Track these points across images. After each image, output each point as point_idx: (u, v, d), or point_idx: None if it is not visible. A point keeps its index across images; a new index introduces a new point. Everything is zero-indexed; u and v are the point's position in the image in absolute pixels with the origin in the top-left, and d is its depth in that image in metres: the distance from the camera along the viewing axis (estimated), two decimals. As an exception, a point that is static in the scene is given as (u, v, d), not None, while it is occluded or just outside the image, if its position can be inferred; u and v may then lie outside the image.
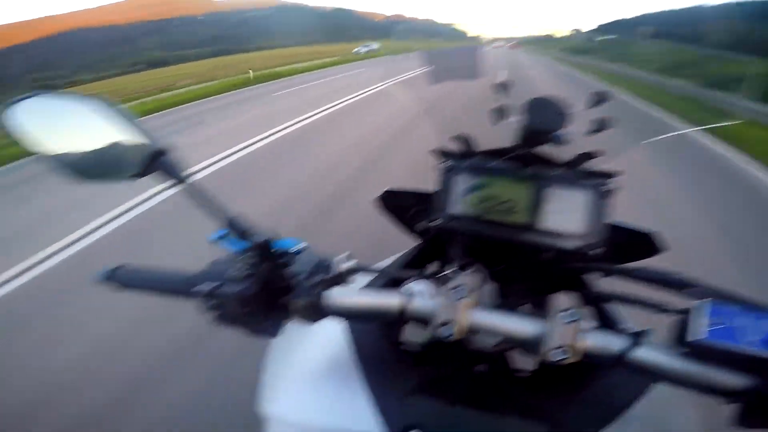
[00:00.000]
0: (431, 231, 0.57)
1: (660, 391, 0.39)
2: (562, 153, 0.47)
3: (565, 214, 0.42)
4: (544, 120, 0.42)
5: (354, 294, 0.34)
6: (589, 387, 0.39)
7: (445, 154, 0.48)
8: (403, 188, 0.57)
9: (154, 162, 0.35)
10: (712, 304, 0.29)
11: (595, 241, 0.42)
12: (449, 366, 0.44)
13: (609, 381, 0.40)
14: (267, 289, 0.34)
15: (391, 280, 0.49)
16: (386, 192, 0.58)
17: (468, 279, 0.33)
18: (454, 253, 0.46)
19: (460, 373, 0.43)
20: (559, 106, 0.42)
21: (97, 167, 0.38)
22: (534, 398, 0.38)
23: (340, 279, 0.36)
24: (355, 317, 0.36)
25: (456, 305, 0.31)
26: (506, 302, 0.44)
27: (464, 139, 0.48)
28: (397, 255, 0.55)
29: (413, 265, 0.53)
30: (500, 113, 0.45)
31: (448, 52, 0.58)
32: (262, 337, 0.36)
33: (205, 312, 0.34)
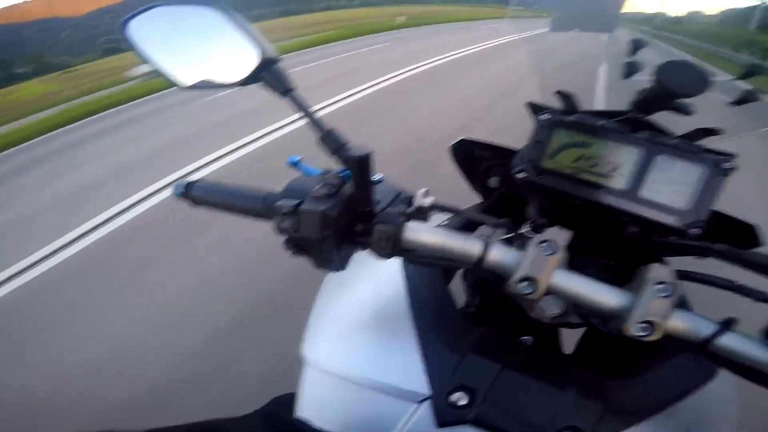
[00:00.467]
0: (503, 187, 0.54)
1: (721, 383, 0.38)
2: (675, 128, 0.42)
3: (674, 186, 0.39)
4: (681, 83, 0.37)
5: (435, 231, 0.33)
6: (646, 370, 0.38)
7: (544, 109, 0.45)
8: (479, 139, 0.54)
9: (262, 70, 0.34)
10: None
11: (699, 220, 0.38)
12: (502, 329, 0.44)
13: (669, 366, 0.38)
14: (349, 211, 0.33)
15: (465, 226, 0.48)
16: (461, 140, 0.54)
17: (557, 236, 0.31)
18: (531, 212, 0.44)
19: (512, 338, 0.42)
20: (700, 70, 0.37)
21: (207, 74, 0.38)
22: (585, 374, 0.37)
23: (420, 214, 0.36)
24: (430, 257, 0.34)
25: (544, 260, 0.29)
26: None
27: (567, 96, 0.45)
28: (469, 206, 0.52)
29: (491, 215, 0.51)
30: (631, 68, 0.42)
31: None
32: (329, 269, 0.35)
33: (281, 233, 0.34)
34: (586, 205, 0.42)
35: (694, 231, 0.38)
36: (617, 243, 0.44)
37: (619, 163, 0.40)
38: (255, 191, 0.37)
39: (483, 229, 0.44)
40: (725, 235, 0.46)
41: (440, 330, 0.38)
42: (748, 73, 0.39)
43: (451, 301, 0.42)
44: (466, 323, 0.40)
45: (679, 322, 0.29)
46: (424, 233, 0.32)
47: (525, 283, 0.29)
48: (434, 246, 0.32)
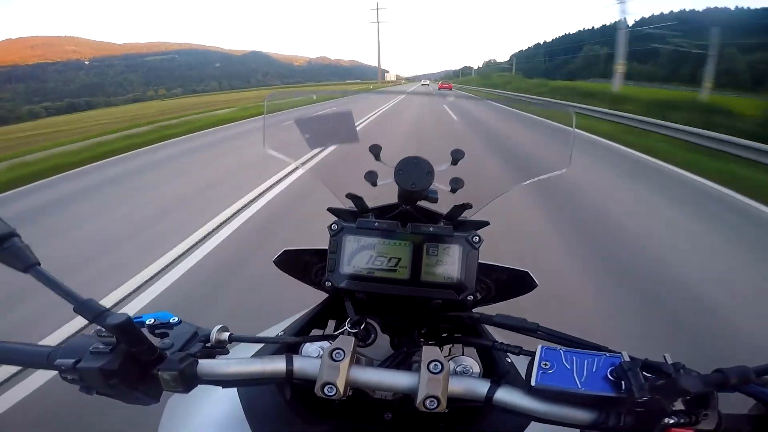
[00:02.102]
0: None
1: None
2: (441, 205, 0.52)
3: (444, 266, 0.47)
4: (413, 181, 0.46)
5: (231, 363, 0.36)
6: (483, 425, 0.43)
7: (335, 213, 0.52)
8: (301, 247, 0.59)
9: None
10: (544, 348, 0.35)
11: (469, 288, 0.47)
12: (357, 417, 0.48)
13: (491, 420, 0.44)
14: (133, 362, 0.35)
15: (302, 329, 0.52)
16: (283, 252, 0.59)
17: (346, 341, 0.36)
18: (348, 310, 0.48)
19: (363, 423, 0.46)
20: (426, 165, 0.46)
21: None
22: None
23: (215, 349, 0.39)
24: (236, 384, 0.38)
25: (336, 366, 0.34)
26: (398, 352, 0.47)
27: (356, 198, 0.52)
28: (310, 308, 0.57)
29: (320, 319, 0.55)
30: (372, 177, 0.49)
31: (324, 116, 0.61)
32: (141, 404, 0.37)
33: (72, 383, 0.35)
34: (388, 298, 0.48)
35: (470, 298, 0.47)
36: (421, 321, 0.51)
37: (399, 257, 0.48)
38: (40, 347, 0.38)
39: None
40: (512, 284, 0.58)
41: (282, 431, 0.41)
42: (456, 160, 0.49)
43: (287, 408, 0.45)
44: (311, 419, 0.44)
45: (460, 388, 0.35)
46: (219, 367, 0.36)
47: (327, 387, 0.34)
48: (236, 374, 0.36)
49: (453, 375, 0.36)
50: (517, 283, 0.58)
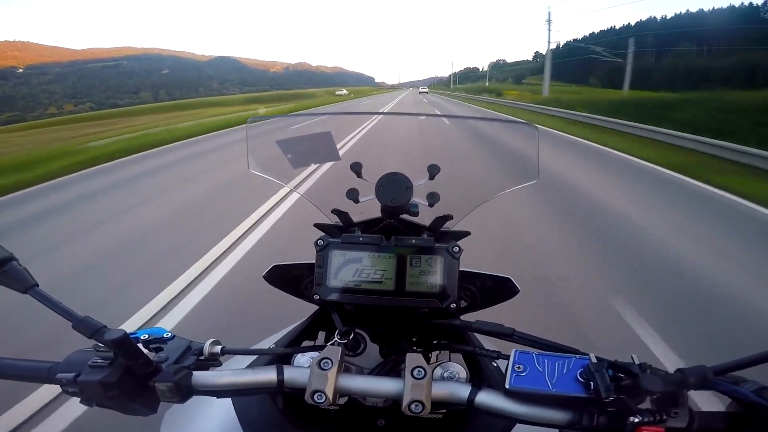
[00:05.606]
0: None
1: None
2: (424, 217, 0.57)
3: (427, 277, 0.51)
4: (393, 197, 0.50)
5: (224, 374, 0.40)
6: (457, 429, 0.47)
7: (321, 229, 0.55)
8: (289, 262, 0.62)
9: None
10: (517, 352, 0.38)
11: (452, 296, 0.50)
12: (350, 424, 0.51)
13: (475, 423, 0.47)
14: (130, 374, 0.38)
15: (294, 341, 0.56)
16: (273, 267, 0.62)
17: (333, 350, 0.40)
18: (336, 322, 0.52)
19: (356, 430, 0.49)
20: (404, 181, 0.51)
21: None
22: None
23: (209, 361, 0.43)
24: (229, 394, 0.41)
25: (324, 375, 0.38)
26: (387, 360, 0.50)
27: (342, 213, 0.56)
28: (301, 321, 0.60)
29: (311, 331, 0.59)
30: (354, 195, 0.53)
31: (305, 138, 0.64)
32: (139, 415, 0.40)
33: (72, 395, 0.38)
34: (375, 309, 0.51)
35: (453, 306, 0.50)
36: (408, 330, 0.55)
37: (384, 269, 0.51)
38: (41, 362, 0.40)
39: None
40: (495, 290, 0.62)
41: None
42: (432, 175, 0.53)
43: (281, 417, 0.48)
44: (304, 427, 0.48)
45: (443, 393, 0.38)
46: (213, 378, 0.39)
47: (317, 395, 0.37)
48: (229, 384, 0.39)
49: (437, 380, 0.39)
50: (500, 289, 0.62)
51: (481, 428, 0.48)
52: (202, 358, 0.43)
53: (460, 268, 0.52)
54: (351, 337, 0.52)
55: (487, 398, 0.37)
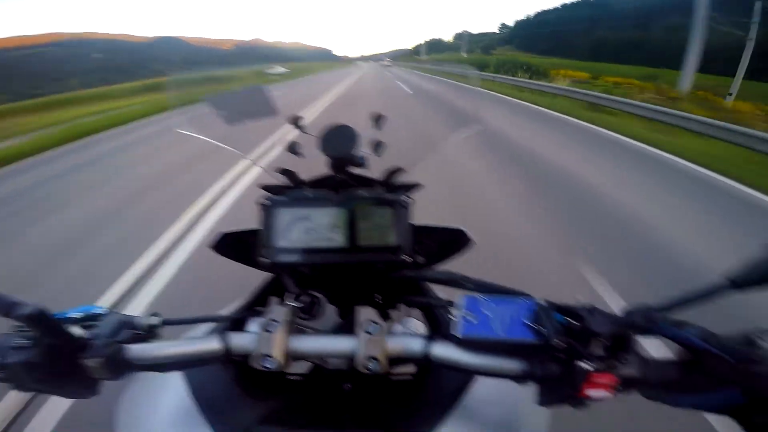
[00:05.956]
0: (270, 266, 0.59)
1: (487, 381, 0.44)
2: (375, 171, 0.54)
3: (379, 230, 0.49)
4: (337, 147, 0.47)
5: (162, 346, 0.37)
6: (423, 388, 0.46)
7: (269, 190, 0.51)
8: (238, 229, 0.58)
9: None
10: (466, 298, 0.36)
11: (405, 248, 0.49)
12: (315, 390, 0.49)
13: (438, 380, 0.46)
14: (58, 353, 0.35)
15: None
16: (221, 236, 0.58)
17: (280, 311, 0.38)
18: (288, 285, 0.49)
19: (321, 396, 0.47)
20: (348, 131, 0.48)
21: None
22: (374, 407, 0.43)
23: (146, 334, 0.40)
24: (172, 367, 0.38)
25: (270, 337, 0.35)
26: (345, 321, 0.49)
27: (288, 172, 0.53)
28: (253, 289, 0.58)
29: (263, 299, 0.56)
30: (294, 147, 0.50)
31: (237, 93, 0.59)
32: (81, 398, 0.38)
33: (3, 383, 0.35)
34: (329, 268, 0.49)
35: (406, 258, 0.49)
36: (365, 288, 0.53)
37: (335, 225, 0.49)
38: None
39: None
40: (449, 243, 0.61)
41: (232, 412, 0.43)
42: (377, 123, 0.52)
43: (237, 388, 0.46)
44: (261, 397, 0.46)
45: (398, 347, 0.36)
46: (150, 351, 0.37)
47: (266, 360, 0.35)
48: (169, 356, 0.37)
49: (392, 335, 0.37)
50: (455, 241, 0.61)
51: (444, 386, 0.46)
52: (139, 332, 0.40)
53: (415, 223, 0.51)
54: (306, 300, 0.49)
55: (441, 350, 0.36)
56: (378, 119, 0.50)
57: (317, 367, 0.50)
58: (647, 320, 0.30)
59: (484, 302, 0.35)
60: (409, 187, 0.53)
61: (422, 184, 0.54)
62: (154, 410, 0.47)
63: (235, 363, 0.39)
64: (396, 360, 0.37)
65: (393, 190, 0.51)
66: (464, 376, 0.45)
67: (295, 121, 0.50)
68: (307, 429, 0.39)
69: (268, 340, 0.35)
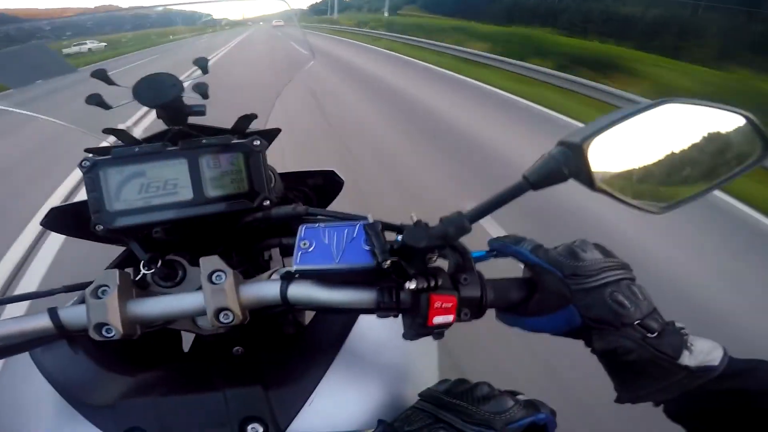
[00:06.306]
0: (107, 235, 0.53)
1: (368, 321, 0.44)
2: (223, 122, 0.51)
3: (230, 177, 0.46)
4: (157, 95, 0.43)
5: None
6: (311, 338, 0.45)
7: (90, 151, 0.45)
8: (68, 202, 0.53)
9: None
10: (304, 228, 0.34)
11: (262, 193, 0.46)
12: (203, 359, 0.47)
13: (312, 327, 0.46)
14: None
15: None
16: (50, 211, 0.51)
17: (109, 275, 0.34)
18: (136, 251, 0.44)
19: (208, 363, 0.45)
20: (169, 79, 0.44)
21: None
22: (261, 365, 0.42)
23: None
24: (3, 353, 0.35)
25: (102, 304, 0.32)
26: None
27: (116, 131, 0.47)
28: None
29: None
30: (95, 99, 0.44)
31: (14, 51, 0.51)
32: None
33: None
34: (177, 224, 0.45)
35: (266, 203, 0.46)
36: (222, 241, 0.50)
37: (176, 177, 0.45)
38: None
39: None
40: (324, 187, 0.61)
41: (96, 389, 0.40)
42: (201, 68, 0.49)
43: (95, 366, 0.43)
44: (118, 375, 0.42)
45: (252, 295, 0.34)
46: None
47: (104, 328, 0.32)
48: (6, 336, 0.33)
49: (245, 283, 0.35)
50: (329, 183, 0.61)
51: (328, 332, 0.45)
52: None
53: (284, 171, 0.49)
54: (160, 264, 0.45)
55: (298, 290, 0.34)
56: (200, 62, 0.47)
57: (199, 337, 0.48)
58: (457, 230, 0.30)
59: (323, 230, 0.34)
60: (268, 134, 0.50)
61: (280, 129, 0.53)
62: (19, 401, 0.44)
63: (69, 337, 0.36)
64: (264, 309, 0.35)
65: (245, 138, 0.49)
66: (345, 319, 0.45)
67: (100, 75, 0.45)
68: (176, 395, 0.37)
69: (100, 307, 0.32)
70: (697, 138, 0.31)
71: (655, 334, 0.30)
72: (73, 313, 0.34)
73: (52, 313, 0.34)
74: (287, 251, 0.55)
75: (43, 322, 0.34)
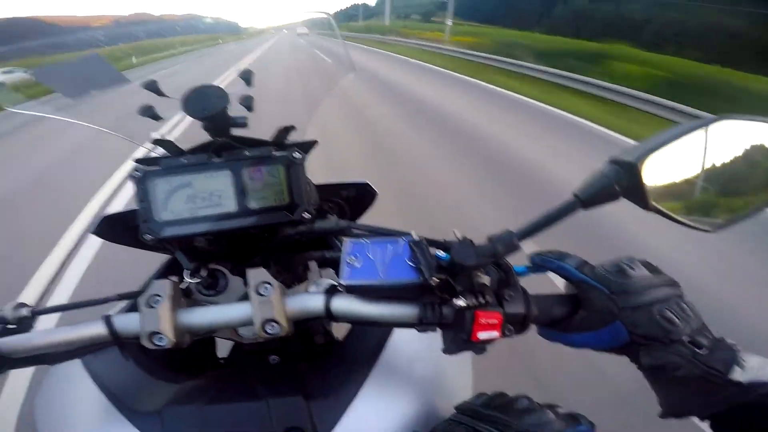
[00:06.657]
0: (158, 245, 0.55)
1: (404, 335, 0.45)
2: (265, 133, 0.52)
3: (271, 189, 0.47)
4: (205, 107, 0.44)
5: (36, 336, 0.35)
6: (347, 349, 0.46)
7: (140, 162, 0.47)
8: (121, 210, 0.54)
9: None
10: (350, 243, 0.35)
11: (302, 205, 0.47)
12: (240, 367, 0.48)
13: (361, 339, 0.46)
14: None
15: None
16: (103, 219, 0.53)
17: (161, 285, 0.36)
18: (181, 261, 0.46)
19: (246, 372, 0.46)
20: (216, 91, 0.45)
21: None
22: (299, 375, 0.43)
23: (17, 327, 0.38)
24: (55, 359, 0.37)
25: (155, 313, 0.34)
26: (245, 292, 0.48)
27: (165, 142, 0.48)
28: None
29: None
30: (149, 112, 0.46)
31: (71, 64, 0.54)
32: None
33: None
34: (221, 235, 0.47)
35: (305, 215, 0.47)
36: (265, 253, 0.51)
37: (220, 188, 0.46)
38: None
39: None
40: (359, 197, 0.62)
41: (141, 395, 0.42)
42: (247, 81, 0.49)
43: (143, 373, 0.45)
44: (163, 382, 0.44)
45: (297, 307, 0.35)
46: (24, 342, 0.35)
47: (156, 337, 0.34)
48: (47, 346, 0.35)
49: (290, 295, 0.36)
50: (362, 195, 0.62)
51: (365, 345, 0.46)
52: (10, 326, 0.37)
53: (319, 182, 0.50)
54: (205, 274, 0.47)
55: (342, 304, 0.34)
56: (246, 75, 0.48)
57: (238, 345, 0.49)
58: (507, 247, 0.30)
59: (368, 246, 0.34)
60: (303, 145, 0.52)
61: (317, 141, 0.54)
62: (69, 405, 0.45)
63: (122, 345, 0.37)
64: (304, 321, 0.35)
65: (284, 149, 0.50)
66: (381, 332, 0.45)
67: (152, 87, 0.46)
68: (221, 403, 0.38)
69: (152, 316, 0.33)
70: (751, 154, 0.30)
71: (705, 350, 0.29)
72: (127, 321, 0.35)
73: (107, 320, 0.35)
74: (326, 263, 0.55)
75: (99, 329, 0.35)
